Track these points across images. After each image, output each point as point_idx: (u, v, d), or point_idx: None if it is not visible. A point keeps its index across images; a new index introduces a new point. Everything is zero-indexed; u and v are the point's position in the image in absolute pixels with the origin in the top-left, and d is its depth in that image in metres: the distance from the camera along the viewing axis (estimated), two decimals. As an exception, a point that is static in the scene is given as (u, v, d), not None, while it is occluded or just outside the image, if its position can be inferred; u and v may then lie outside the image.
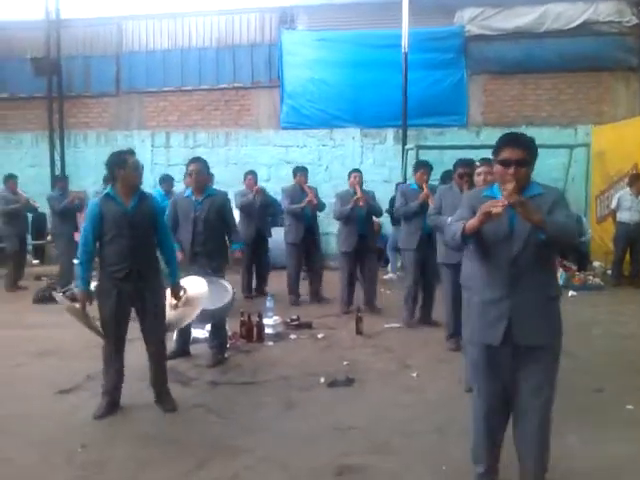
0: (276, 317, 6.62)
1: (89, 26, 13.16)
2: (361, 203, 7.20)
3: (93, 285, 4.52)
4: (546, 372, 2.83)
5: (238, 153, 12.67)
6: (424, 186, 6.58)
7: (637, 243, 9.22)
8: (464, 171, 5.42)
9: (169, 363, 4.84)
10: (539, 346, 2.79)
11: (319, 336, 6.42)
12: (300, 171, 8.19)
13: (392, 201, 8.81)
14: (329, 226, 10.70)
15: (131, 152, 4.27)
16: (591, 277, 9.17)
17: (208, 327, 5.74)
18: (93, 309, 4.33)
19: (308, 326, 6.73)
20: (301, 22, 12.60)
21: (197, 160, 5.61)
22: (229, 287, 5.29)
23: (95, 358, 5.13)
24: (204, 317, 5.12)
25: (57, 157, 13.12)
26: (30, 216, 10.50)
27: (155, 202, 4.43)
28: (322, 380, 4.96)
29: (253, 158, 12.51)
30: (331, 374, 5.08)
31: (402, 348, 5.96)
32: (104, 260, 4.24)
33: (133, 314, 4.36)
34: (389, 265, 10.51)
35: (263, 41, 12.67)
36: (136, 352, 4.53)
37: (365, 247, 7.43)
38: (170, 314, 4.54)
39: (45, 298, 8.38)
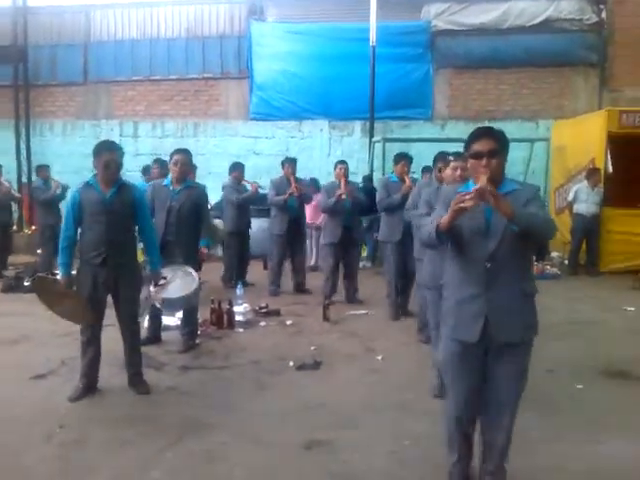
0: (246, 305, 6.79)
1: (57, 14, 13.07)
2: (343, 196, 7.21)
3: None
4: (519, 366, 2.86)
5: (207, 144, 12.75)
6: (406, 178, 6.58)
7: (593, 234, 9.62)
8: (444, 165, 5.24)
9: (142, 349, 4.97)
10: (512, 343, 2.81)
11: (288, 323, 6.61)
12: (288, 162, 8.10)
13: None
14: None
15: (108, 147, 4.35)
16: (548, 267, 9.53)
17: (179, 314, 5.88)
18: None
19: (277, 313, 6.91)
20: (270, 14, 12.72)
21: (183, 151, 5.72)
22: (195, 275, 5.36)
23: (68, 345, 5.29)
24: (171, 305, 5.23)
25: (23, 146, 13.01)
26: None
27: (136, 192, 4.49)
28: (291, 364, 5.17)
29: (222, 149, 12.61)
30: (299, 358, 5.29)
31: (368, 333, 6.19)
32: (82, 246, 4.39)
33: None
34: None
35: (232, 32, 12.75)
36: (112, 337, 4.65)
37: (349, 239, 7.45)
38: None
39: (14, 287, 8.39)
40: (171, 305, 5.17)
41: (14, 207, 10.52)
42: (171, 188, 5.62)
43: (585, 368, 5.09)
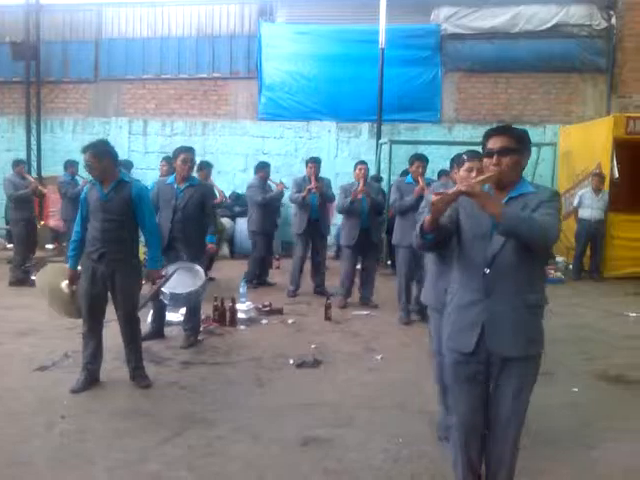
0: (249, 302, 6.85)
1: (69, 11, 13.19)
2: (359, 196, 7.07)
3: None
4: (523, 382, 2.62)
5: (215, 143, 12.83)
6: (420, 180, 6.35)
7: (597, 239, 9.64)
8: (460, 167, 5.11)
9: (144, 344, 5.06)
10: (514, 358, 2.58)
11: (290, 321, 6.68)
12: (311, 161, 7.92)
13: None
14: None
15: (86, 149, 4.45)
16: (552, 271, 9.55)
17: (182, 311, 5.96)
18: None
19: (279, 312, 6.98)
20: (280, 15, 12.79)
21: (189, 149, 5.82)
22: (201, 272, 5.47)
23: (72, 338, 5.38)
24: (177, 301, 5.35)
25: (33, 142, 13.15)
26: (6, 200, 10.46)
27: (135, 189, 4.52)
28: (291, 361, 5.23)
29: (230, 148, 12.70)
30: (300, 356, 5.35)
31: (368, 333, 6.26)
32: (85, 242, 4.53)
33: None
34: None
35: (242, 32, 12.82)
36: (115, 332, 4.73)
37: (368, 242, 7.31)
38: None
39: (21, 281, 8.51)
40: (175, 300, 5.28)
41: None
42: (175, 186, 5.70)
43: (582, 372, 5.13)
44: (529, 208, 2.51)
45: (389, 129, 12.12)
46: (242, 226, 9.26)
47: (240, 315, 6.58)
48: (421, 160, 6.52)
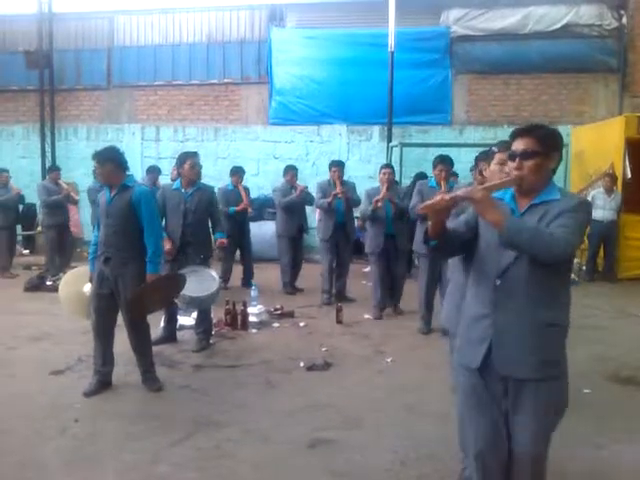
0: (260, 306, 6.90)
1: (81, 20, 13.32)
2: (379, 204, 6.74)
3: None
4: (536, 414, 2.34)
5: (227, 148, 12.91)
6: (442, 184, 5.99)
7: (610, 240, 9.59)
8: (487, 164, 4.22)
9: (156, 348, 5.15)
10: (527, 380, 2.33)
11: (301, 324, 6.71)
12: (335, 165, 7.74)
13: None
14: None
15: (93, 156, 4.62)
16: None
17: (194, 314, 6.02)
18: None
19: (291, 315, 7.02)
20: (290, 20, 12.85)
21: (195, 154, 5.95)
22: (216, 276, 5.60)
23: (86, 342, 5.43)
24: (191, 304, 5.46)
25: (48, 149, 13.30)
26: (20, 207, 10.59)
27: (135, 193, 4.54)
28: (301, 364, 5.27)
29: (242, 153, 12.76)
30: (310, 359, 5.38)
31: (379, 336, 6.27)
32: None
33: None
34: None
35: (253, 38, 12.89)
36: (126, 336, 4.78)
37: (394, 248, 7.01)
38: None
39: (36, 286, 8.62)
40: (192, 303, 5.40)
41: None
42: (183, 191, 5.77)
43: (593, 373, 5.11)
44: (548, 217, 2.29)
45: (400, 132, 12.13)
46: (254, 230, 9.28)
47: (252, 319, 6.63)
48: (445, 163, 6.14)
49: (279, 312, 7.04)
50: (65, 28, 13.29)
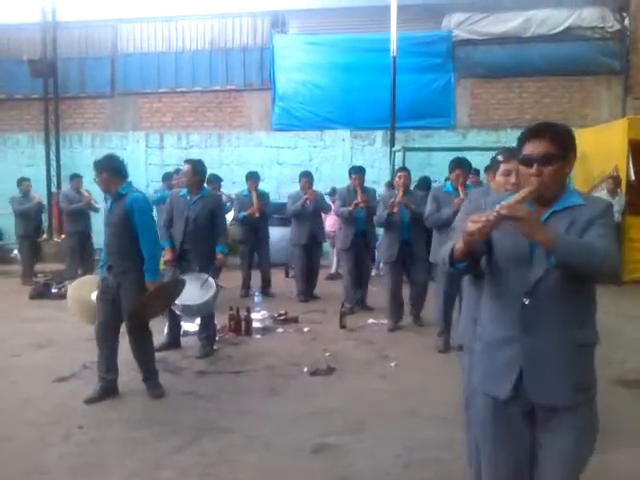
0: (264, 312, 6.91)
1: (85, 28, 13.43)
2: (395, 209, 6.38)
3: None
4: (570, 445, 2.13)
5: (231, 154, 12.96)
6: (460, 189, 5.49)
7: (614, 243, 9.54)
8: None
9: (160, 354, 5.17)
10: (560, 407, 2.11)
11: (305, 330, 6.72)
12: (355, 172, 7.50)
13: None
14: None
15: (94, 163, 4.72)
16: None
17: (198, 320, 6.03)
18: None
19: (295, 320, 7.02)
20: (292, 26, 12.93)
21: (188, 161, 5.95)
22: (212, 283, 5.54)
23: (90, 350, 5.43)
24: (188, 312, 5.45)
25: (53, 157, 13.36)
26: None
27: (128, 200, 4.54)
28: (305, 369, 5.27)
29: (245, 159, 12.81)
30: (314, 364, 5.39)
31: (383, 341, 6.27)
32: None
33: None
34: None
35: (255, 44, 12.97)
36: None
37: (411, 256, 6.58)
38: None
39: (41, 294, 8.66)
40: (187, 312, 5.38)
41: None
42: (188, 198, 5.79)
43: (598, 376, 5.08)
44: (577, 226, 2.06)
45: (403, 136, 12.16)
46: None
47: (255, 324, 6.63)
48: (462, 167, 5.57)
49: (283, 317, 7.05)
50: (69, 36, 13.40)
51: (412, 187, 6.78)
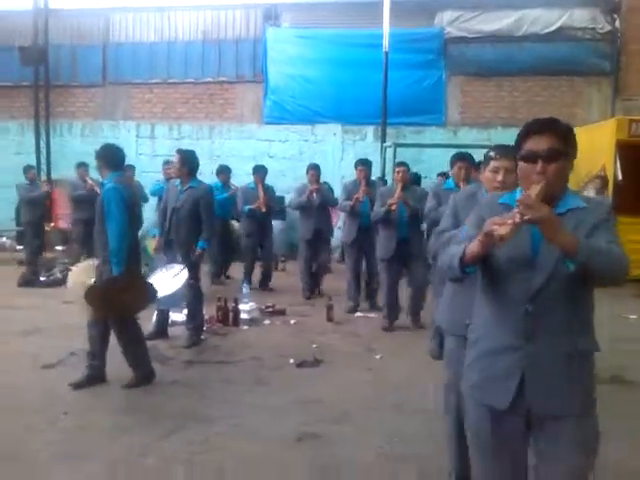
0: (252, 303, 6.94)
1: (77, 16, 13.34)
2: (393, 207, 6.23)
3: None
4: (573, 457, 2.03)
5: (222, 146, 12.94)
6: (462, 185, 5.08)
7: (600, 242, 9.64)
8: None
9: (148, 343, 5.15)
10: (563, 416, 2.03)
11: (292, 322, 6.77)
12: (361, 164, 7.32)
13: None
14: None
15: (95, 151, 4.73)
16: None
17: (186, 311, 6.05)
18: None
19: (282, 313, 7.06)
20: (285, 19, 12.91)
21: (178, 151, 5.98)
22: (183, 276, 5.48)
23: (77, 337, 5.46)
24: (161, 302, 5.51)
25: (43, 145, 13.28)
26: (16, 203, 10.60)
27: (104, 193, 4.57)
28: (291, 361, 5.31)
29: (237, 151, 12.79)
30: (300, 355, 5.43)
31: (369, 334, 6.33)
32: None
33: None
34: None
35: (248, 37, 12.94)
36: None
37: (409, 253, 6.44)
38: None
39: (29, 282, 8.65)
40: (162, 302, 5.45)
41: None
42: (179, 188, 5.82)
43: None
44: (583, 230, 1.97)
45: (394, 132, 12.18)
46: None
47: (243, 315, 6.67)
48: (464, 160, 5.15)
49: (271, 309, 7.09)
50: (61, 24, 13.29)
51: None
